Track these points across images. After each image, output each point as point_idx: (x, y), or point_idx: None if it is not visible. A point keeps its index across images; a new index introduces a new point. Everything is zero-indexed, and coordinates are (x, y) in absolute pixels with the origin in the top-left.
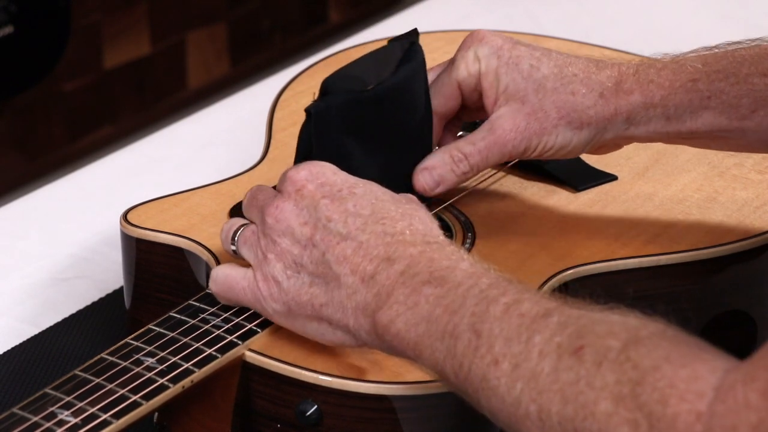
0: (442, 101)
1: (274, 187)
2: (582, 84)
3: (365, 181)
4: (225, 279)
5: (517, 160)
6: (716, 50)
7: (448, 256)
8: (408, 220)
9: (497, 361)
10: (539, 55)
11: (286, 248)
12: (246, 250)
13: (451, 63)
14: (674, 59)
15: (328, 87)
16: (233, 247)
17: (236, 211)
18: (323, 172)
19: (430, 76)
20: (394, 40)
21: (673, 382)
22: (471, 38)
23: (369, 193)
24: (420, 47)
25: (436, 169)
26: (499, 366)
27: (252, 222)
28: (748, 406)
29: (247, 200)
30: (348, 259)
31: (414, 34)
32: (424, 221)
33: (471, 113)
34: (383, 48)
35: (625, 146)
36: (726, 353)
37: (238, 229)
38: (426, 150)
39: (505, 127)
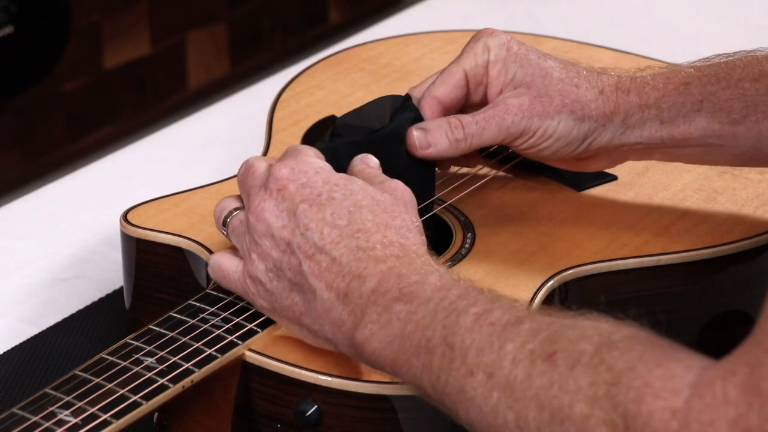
0: (447, 89)
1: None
2: (585, 80)
3: (346, 179)
4: (219, 268)
5: (518, 160)
6: (711, 61)
7: (418, 270)
8: (383, 231)
9: (472, 372)
10: (545, 53)
11: (266, 251)
12: (235, 239)
13: (460, 55)
14: (668, 66)
15: (337, 129)
16: (224, 231)
17: None
18: (305, 170)
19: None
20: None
21: (648, 381)
22: (482, 32)
23: (348, 197)
24: (414, 105)
25: (431, 131)
26: (474, 377)
27: (242, 204)
28: (727, 401)
29: (242, 173)
30: (323, 275)
31: (407, 98)
32: (400, 230)
33: (474, 109)
34: (385, 98)
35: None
36: (700, 353)
37: (229, 214)
38: (426, 191)
39: (509, 103)
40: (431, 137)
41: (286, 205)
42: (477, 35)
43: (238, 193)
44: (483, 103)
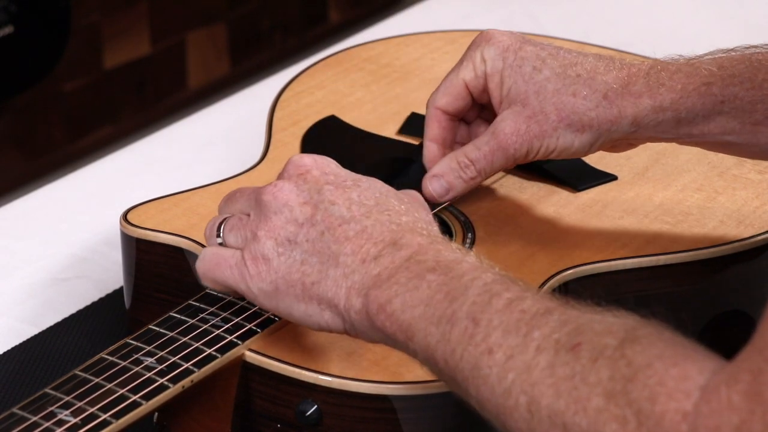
0: (449, 100)
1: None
2: (585, 85)
3: (370, 177)
4: (213, 256)
5: None
6: (733, 53)
7: (454, 250)
8: (412, 215)
9: (491, 350)
10: (545, 55)
11: (279, 225)
12: (233, 236)
13: (460, 62)
14: (689, 62)
15: None
16: (219, 240)
17: None
18: (328, 163)
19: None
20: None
21: (663, 380)
22: (480, 38)
23: (373, 187)
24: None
25: (445, 176)
26: (492, 355)
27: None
28: (731, 408)
29: (223, 201)
30: (350, 240)
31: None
32: (426, 220)
33: (485, 111)
34: (393, 159)
35: None
36: (718, 355)
37: (222, 222)
38: None
39: (506, 131)
40: (446, 182)
41: (309, 186)
42: (476, 41)
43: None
44: (490, 106)
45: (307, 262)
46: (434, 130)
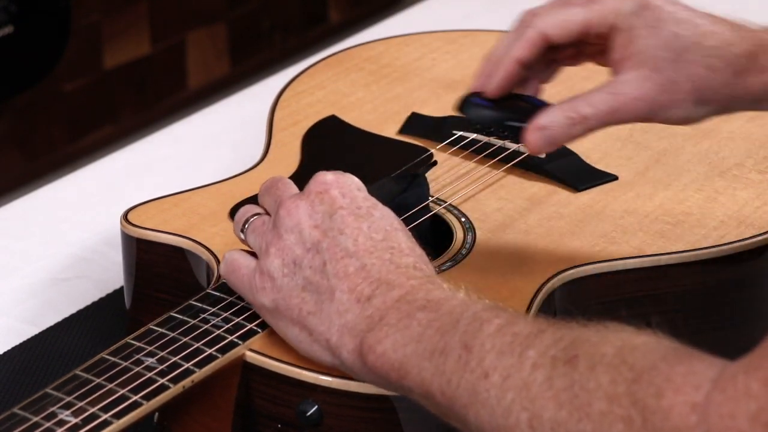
0: (562, 34)
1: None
2: (720, 59)
3: (385, 207)
4: (232, 262)
5: (518, 160)
6: None
7: (445, 289)
8: (415, 256)
9: (487, 374)
10: (683, 19)
11: (289, 245)
12: (252, 238)
13: (589, 2)
14: None
15: None
16: (242, 235)
17: (236, 211)
18: (348, 184)
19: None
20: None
21: (670, 377)
22: None
23: (386, 218)
24: (424, 179)
25: (551, 129)
26: (489, 378)
27: (265, 212)
28: (749, 395)
29: (265, 186)
30: (348, 277)
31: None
32: (428, 264)
33: (583, 57)
34: (401, 175)
35: (626, 146)
36: (721, 359)
37: (251, 217)
38: None
39: (632, 94)
40: (550, 136)
41: (324, 207)
42: None
43: (239, 198)
44: (598, 52)
45: (307, 289)
46: (531, 53)
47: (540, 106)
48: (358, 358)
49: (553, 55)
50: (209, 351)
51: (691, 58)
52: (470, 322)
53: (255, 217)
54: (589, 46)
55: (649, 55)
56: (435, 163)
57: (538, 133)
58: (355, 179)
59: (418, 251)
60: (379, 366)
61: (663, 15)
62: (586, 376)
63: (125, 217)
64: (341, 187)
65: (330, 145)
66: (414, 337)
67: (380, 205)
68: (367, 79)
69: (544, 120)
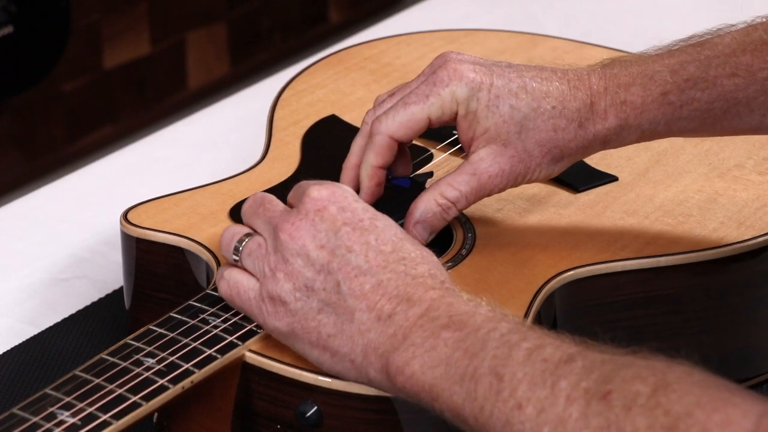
0: (407, 133)
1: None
2: (561, 117)
3: (383, 215)
4: (234, 284)
5: None
6: (682, 53)
7: (466, 302)
8: (428, 264)
9: (521, 405)
10: (516, 89)
11: (298, 269)
12: (251, 262)
13: (425, 97)
14: (642, 70)
15: None
16: (235, 257)
17: (236, 211)
18: (345, 196)
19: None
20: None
21: (706, 427)
22: (446, 73)
23: (389, 228)
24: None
25: (428, 221)
26: (523, 410)
27: (255, 231)
28: None
29: (250, 207)
30: (366, 296)
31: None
32: (440, 268)
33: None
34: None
35: (625, 147)
36: (757, 396)
37: (242, 239)
38: None
39: (490, 172)
40: (431, 227)
41: (326, 225)
42: (441, 77)
43: (239, 198)
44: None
45: (324, 311)
46: (386, 157)
47: (408, 187)
48: (386, 378)
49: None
50: (209, 351)
51: (534, 126)
52: (498, 346)
53: (247, 238)
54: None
55: (496, 132)
56: (431, 174)
57: (419, 227)
58: (349, 189)
59: (428, 257)
60: (409, 387)
61: (496, 91)
62: (623, 418)
63: (125, 216)
64: (338, 201)
65: (330, 145)
66: (442, 360)
67: (379, 215)
68: (367, 79)
69: (418, 214)
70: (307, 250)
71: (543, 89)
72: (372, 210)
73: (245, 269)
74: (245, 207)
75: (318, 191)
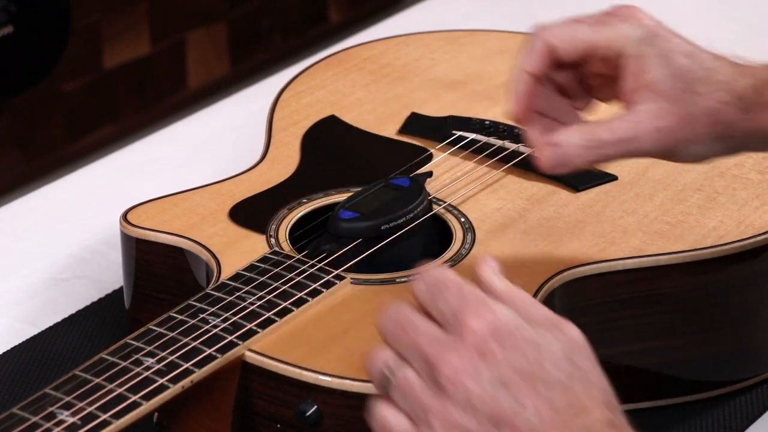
0: (568, 49)
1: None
2: (729, 93)
3: (539, 335)
4: (382, 421)
5: (518, 160)
6: None
7: None
8: (601, 409)
9: None
10: (690, 50)
11: (458, 420)
12: (404, 401)
13: (597, 23)
14: None
15: (341, 231)
16: (385, 391)
17: (236, 211)
18: (507, 328)
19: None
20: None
21: None
22: (625, 10)
23: (556, 365)
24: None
25: (564, 147)
26: None
27: (405, 359)
28: None
29: (392, 326)
30: None
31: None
32: (608, 401)
33: (582, 91)
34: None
35: None
36: None
37: (391, 371)
38: None
39: (654, 125)
40: (563, 155)
41: (491, 372)
42: (616, 12)
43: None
44: (600, 84)
45: None
46: (538, 64)
47: (407, 187)
48: None
49: (588, 80)
50: (208, 351)
51: (703, 91)
52: None
53: (398, 371)
54: (592, 77)
55: (665, 86)
56: (430, 174)
57: (550, 150)
58: (505, 311)
59: (595, 395)
60: None
61: (672, 45)
62: None
63: (125, 217)
64: (502, 339)
65: (330, 145)
66: None
67: (541, 341)
68: (366, 79)
69: (558, 137)
70: (471, 400)
71: (712, 63)
72: (532, 338)
73: (395, 403)
74: (384, 322)
75: (476, 321)
